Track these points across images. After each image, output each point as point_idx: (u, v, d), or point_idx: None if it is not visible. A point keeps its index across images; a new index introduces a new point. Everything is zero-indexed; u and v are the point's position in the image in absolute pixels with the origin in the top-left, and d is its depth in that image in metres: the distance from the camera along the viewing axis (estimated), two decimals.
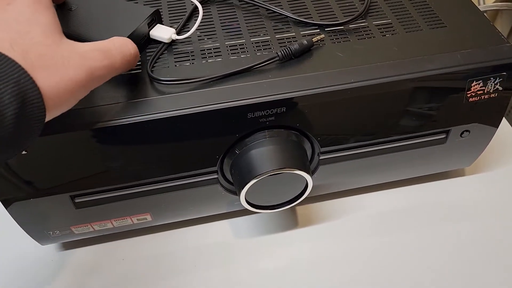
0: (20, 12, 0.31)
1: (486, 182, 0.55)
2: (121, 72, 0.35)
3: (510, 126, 0.60)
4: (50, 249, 0.50)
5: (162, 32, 0.41)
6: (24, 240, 0.46)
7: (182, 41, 0.43)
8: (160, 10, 0.46)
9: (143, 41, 0.41)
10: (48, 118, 0.30)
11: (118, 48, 0.35)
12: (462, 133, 0.47)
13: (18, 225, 0.43)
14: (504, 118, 0.61)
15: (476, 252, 0.49)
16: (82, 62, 0.31)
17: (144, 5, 0.47)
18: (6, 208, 0.42)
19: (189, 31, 0.41)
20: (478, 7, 1.01)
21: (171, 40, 0.41)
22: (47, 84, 0.29)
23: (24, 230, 0.44)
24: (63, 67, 0.30)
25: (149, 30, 0.41)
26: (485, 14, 1.00)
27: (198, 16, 0.41)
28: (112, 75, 0.35)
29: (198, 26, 0.41)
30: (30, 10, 0.31)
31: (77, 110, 0.37)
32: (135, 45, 0.36)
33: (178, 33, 0.43)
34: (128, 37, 0.38)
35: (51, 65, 0.30)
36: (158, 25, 0.42)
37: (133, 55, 0.36)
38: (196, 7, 0.46)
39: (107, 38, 0.37)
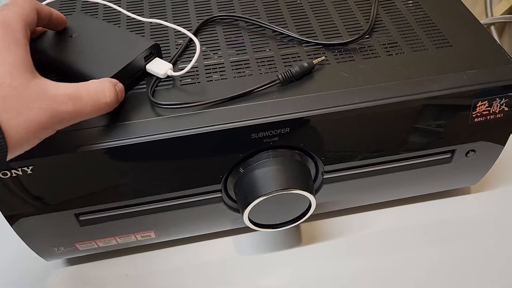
0: None
1: (492, 200, 0.55)
2: (93, 116, 0.35)
3: None
4: (55, 264, 0.50)
5: (158, 67, 0.41)
6: (29, 255, 0.46)
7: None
8: (166, 39, 0.46)
9: (139, 74, 0.41)
10: (10, 156, 0.31)
11: (91, 95, 0.34)
12: (468, 152, 0.46)
13: (22, 241, 0.44)
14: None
15: (483, 270, 0.48)
16: (48, 106, 0.31)
17: (151, 37, 0.47)
18: (11, 225, 0.42)
19: (187, 64, 0.40)
20: (486, 19, 1.01)
21: (166, 76, 0.41)
22: (9, 124, 0.29)
23: (29, 246, 0.45)
24: (27, 110, 0.30)
25: (146, 64, 0.41)
26: (493, 26, 0.99)
27: (197, 49, 0.40)
28: (81, 119, 0.34)
29: (196, 60, 0.40)
30: None
31: (80, 131, 0.37)
32: (114, 92, 0.36)
33: (174, 65, 0.43)
34: (121, 70, 0.38)
35: (14, 106, 0.30)
36: (157, 58, 0.42)
37: (108, 104, 0.35)
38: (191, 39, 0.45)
39: (99, 69, 0.38)
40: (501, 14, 1.01)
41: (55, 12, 0.40)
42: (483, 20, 0.97)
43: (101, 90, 0.35)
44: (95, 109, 0.35)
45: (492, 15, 0.98)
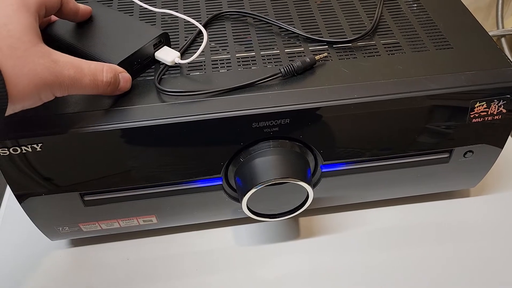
0: (2, 7, 0.34)
1: (491, 204, 0.55)
2: (90, 92, 0.38)
3: None
4: (59, 245, 0.52)
5: (167, 55, 0.43)
6: (35, 235, 0.48)
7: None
8: (176, 30, 0.48)
9: (148, 61, 0.43)
10: (11, 108, 0.33)
11: (91, 70, 0.37)
12: (466, 153, 0.47)
13: (30, 220, 0.46)
14: None
15: (476, 275, 0.49)
16: (51, 65, 0.34)
17: (162, 27, 0.49)
18: (20, 203, 0.44)
19: (194, 53, 0.42)
20: (497, 31, 1.02)
21: (174, 63, 0.43)
22: (13, 72, 0.32)
23: (35, 225, 0.46)
24: (32, 63, 0.33)
25: (155, 51, 0.43)
26: (503, 38, 1.00)
27: (205, 38, 0.42)
28: (78, 90, 0.36)
29: (203, 50, 0.42)
30: (13, 8, 0.34)
31: (88, 113, 0.39)
32: (113, 75, 0.38)
33: (182, 55, 0.45)
34: (131, 55, 0.41)
35: (21, 57, 0.32)
36: (165, 47, 0.44)
37: (104, 83, 0.38)
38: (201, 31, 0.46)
39: (111, 54, 0.40)
40: None
41: (82, 7, 0.43)
42: (494, 32, 0.98)
43: (100, 69, 0.37)
44: (92, 83, 0.37)
45: (503, 27, 0.99)
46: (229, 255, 0.51)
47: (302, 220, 0.54)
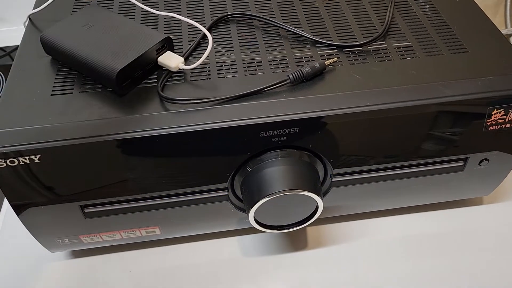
0: None
1: (505, 212, 0.53)
2: None
3: None
4: (59, 257, 0.50)
5: (170, 61, 0.41)
6: (34, 247, 0.46)
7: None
8: (180, 34, 0.46)
9: (150, 67, 0.41)
10: None
11: None
12: (481, 161, 0.45)
13: (28, 231, 0.44)
14: None
15: (490, 283, 0.47)
16: None
17: (164, 31, 0.47)
18: (18, 215, 0.42)
19: (199, 58, 0.40)
20: (505, 30, 0.99)
21: (177, 69, 0.41)
22: None
23: (34, 237, 0.45)
24: None
25: (158, 57, 0.41)
26: None
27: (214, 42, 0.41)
28: None
29: (207, 55, 0.40)
30: None
31: (88, 122, 0.38)
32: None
33: (186, 60, 0.43)
34: (133, 61, 0.39)
35: None
36: (168, 52, 0.42)
37: None
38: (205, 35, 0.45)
39: (112, 60, 0.38)
40: None
41: None
42: (502, 31, 0.96)
43: None
44: None
45: (511, 26, 0.97)
46: (234, 266, 0.49)
47: (310, 229, 0.52)
